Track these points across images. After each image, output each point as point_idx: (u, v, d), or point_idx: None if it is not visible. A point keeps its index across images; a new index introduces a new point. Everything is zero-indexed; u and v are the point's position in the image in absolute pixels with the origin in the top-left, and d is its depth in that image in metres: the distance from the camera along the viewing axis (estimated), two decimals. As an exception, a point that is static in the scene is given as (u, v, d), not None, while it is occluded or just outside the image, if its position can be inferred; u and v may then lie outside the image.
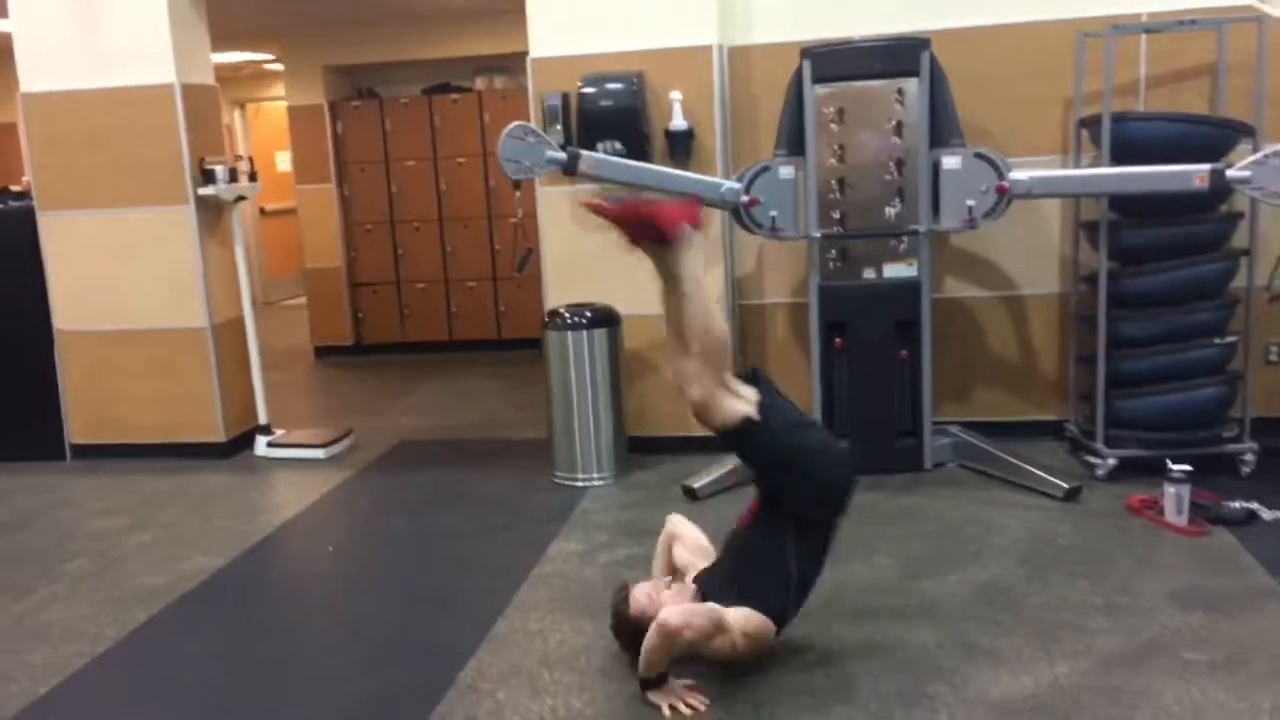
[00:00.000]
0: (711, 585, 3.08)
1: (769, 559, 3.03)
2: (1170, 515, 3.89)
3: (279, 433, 5.74)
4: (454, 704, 2.97)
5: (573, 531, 4.27)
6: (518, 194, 4.66)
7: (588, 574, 3.87)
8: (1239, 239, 4.45)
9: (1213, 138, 4.33)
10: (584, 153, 4.57)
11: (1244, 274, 4.43)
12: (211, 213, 5.56)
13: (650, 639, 2.88)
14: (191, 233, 5.44)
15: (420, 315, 8.31)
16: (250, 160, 5.89)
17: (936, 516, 4.20)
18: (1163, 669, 2.95)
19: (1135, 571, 3.57)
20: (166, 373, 5.55)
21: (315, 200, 8.33)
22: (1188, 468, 3.92)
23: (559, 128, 4.97)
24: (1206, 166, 4.07)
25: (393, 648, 3.40)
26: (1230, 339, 4.41)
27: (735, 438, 3.07)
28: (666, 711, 2.86)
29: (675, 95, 4.92)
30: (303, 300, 8.79)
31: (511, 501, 4.72)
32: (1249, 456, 4.37)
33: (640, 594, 3.11)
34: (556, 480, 4.90)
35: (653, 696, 2.92)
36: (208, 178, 5.42)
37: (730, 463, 4.70)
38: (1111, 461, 4.41)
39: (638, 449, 5.06)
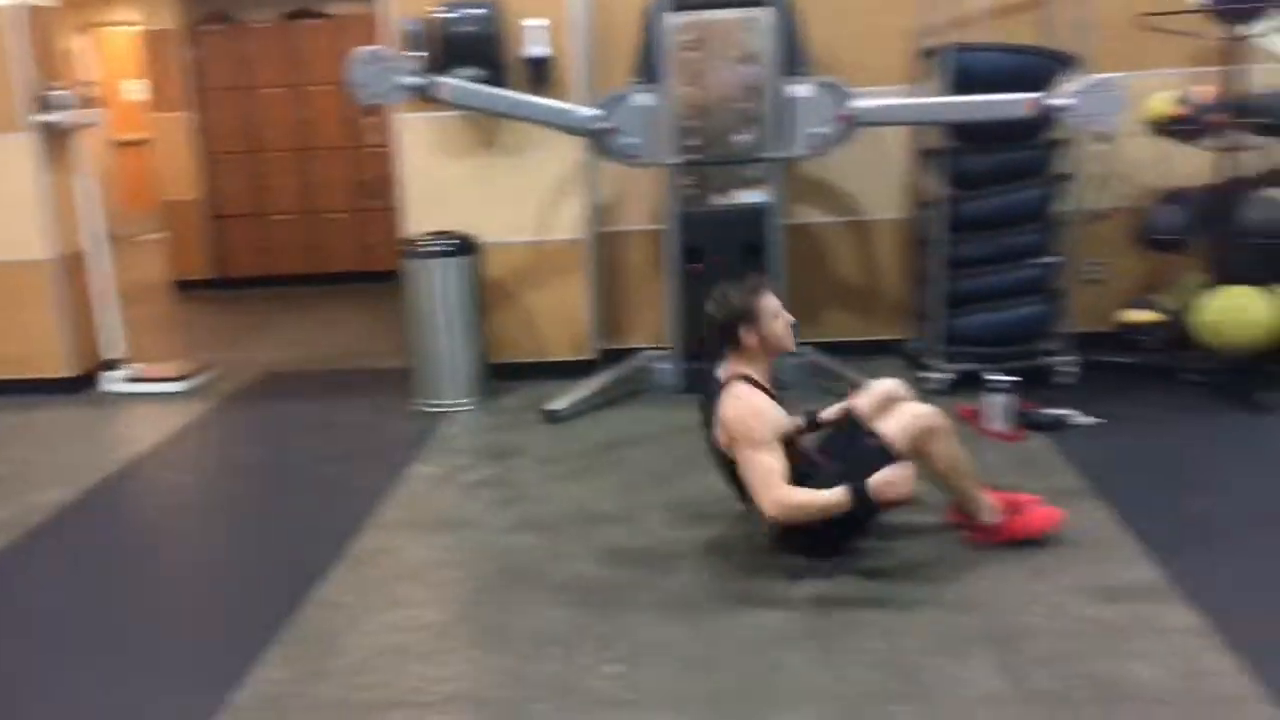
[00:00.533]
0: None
1: None
2: (992, 423, 4.17)
3: (135, 367, 5.64)
4: (309, 617, 3.06)
5: (432, 455, 4.35)
6: (370, 120, 4.63)
7: (445, 493, 3.97)
8: (1063, 164, 4.73)
9: (1040, 67, 4.57)
10: (440, 79, 4.57)
11: (1066, 197, 4.71)
12: (54, 142, 5.37)
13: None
14: (30, 162, 5.25)
15: (282, 247, 8.17)
16: (97, 86, 5.68)
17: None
18: (975, 560, 3.20)
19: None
20: (8, 306, 5.38)
21: (170, 129, 8.06)
22: (1010, 379, 4.20)
23: (416, 53, 4.94)
24: (1033, 95, 4.31)
25: (248, 570, 3.46)
26: (1053, 259, 4.70)
27: None
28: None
29: (534, 22, 4.94)
30: (159, 236, 8.53)
31: (373, 429, 4.77)
32: (1068, 368, 4.69)
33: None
34: (418, 407, 4.96)
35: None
36: (47, 104, 5.22)
37: (589, 386, 4.84)
38: (947, 376, 4.69)
39: (500, 375, 5.14)
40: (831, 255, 5.29)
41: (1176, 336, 4.57)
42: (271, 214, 8.15)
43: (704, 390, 3.38)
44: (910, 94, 4.94)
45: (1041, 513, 3.30)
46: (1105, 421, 4.23)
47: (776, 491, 3.03)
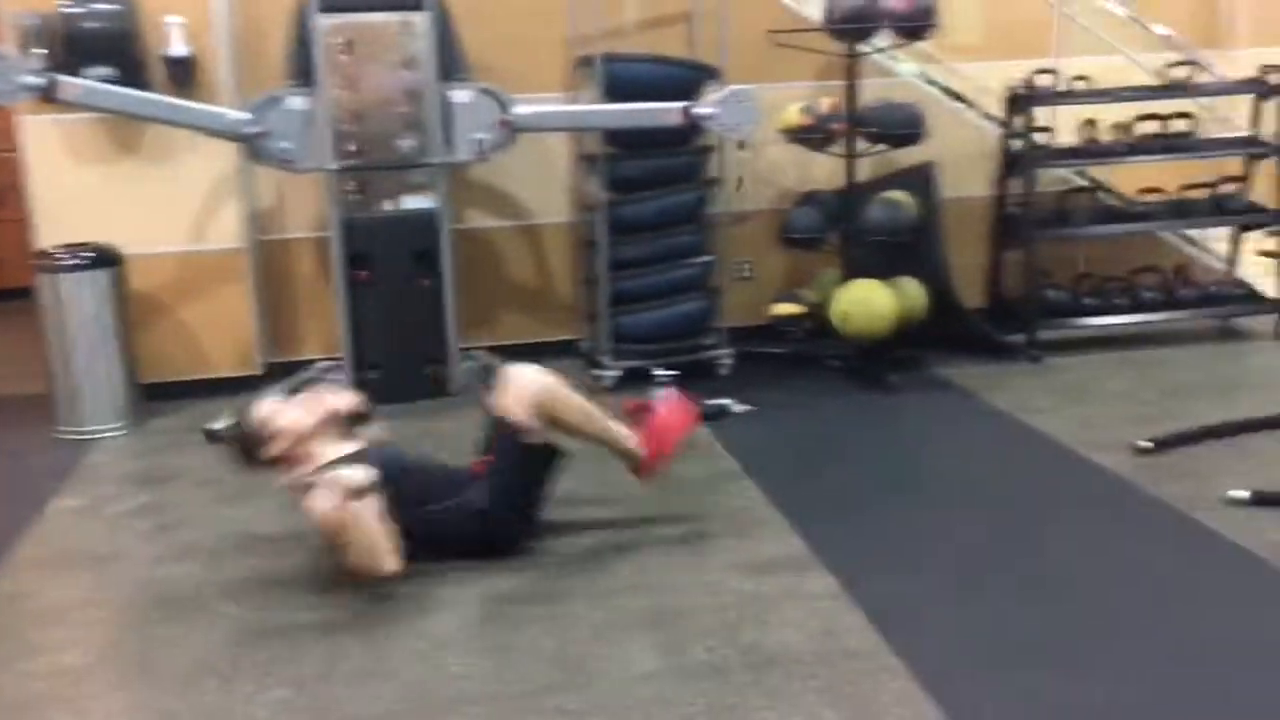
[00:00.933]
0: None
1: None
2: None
3: None
4: (-76, 677, 2.73)
5: (76, 486, 4.00)
6: (-15, 122, 4.20)
7: (91, 526, 3.67)
8: (712, 170, 5.04)
9: (687, 78, 4.85)
10: (66, 79, 4.21)
11: (716, 200, 5.03)
12: None
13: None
14: None
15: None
16: None
17: (460, 437, 4.39)
18: (638, 545, 3.36)
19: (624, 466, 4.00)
20: None
21: None
22: (674, 373, 4.44)
23: (39, 51, 4.52)
24: (681, 104, 4.56)
25: None
26: (707, 259, 5.01)
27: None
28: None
29: (172, 19, 4.65)
30: None
31: (4, 462, 4.32)
32: (726, 361, 5.01)
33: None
34: (59, 435, 4.54)
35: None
36: None
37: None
38: (616, 372, 4.87)
39: (155, 395, 4.81)
40: (502, 259, 5.35)
41: (818, 327, 5.00)
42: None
43: None
44: (569, 101, 5.09)
45: (670, 415, 3.50)
46: (758, 408, 4.55)
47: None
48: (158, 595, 3.14)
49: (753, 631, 2.85)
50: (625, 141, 4.94)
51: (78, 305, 4.47)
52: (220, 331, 4.97)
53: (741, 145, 4.64)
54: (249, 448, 3.19)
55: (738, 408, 4.55)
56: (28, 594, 3.18)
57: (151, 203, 4.80)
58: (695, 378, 4.75)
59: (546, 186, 5.30)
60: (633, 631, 2.87)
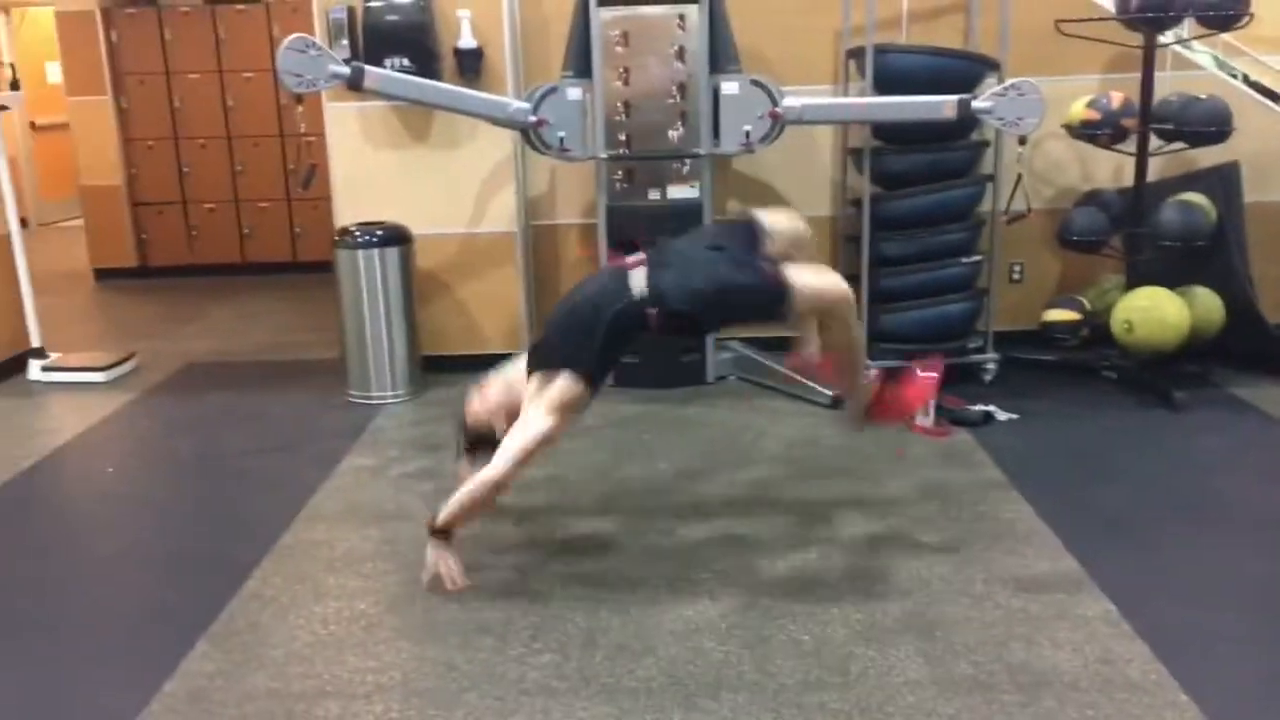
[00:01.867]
0: (534, 357, 3.17)
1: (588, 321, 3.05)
2: (919, 418, 4.27)
3: (55, 356, 5.50)
4: (236, 611, 3.03)
5: (364, 448, 4.32)
6: (300, 109, 4.58)
7: (378, 486, 3.94)
8: (986, 166, 4.85)
9: (963, 70, 4.68)
10: (369, 68, 4.52)
11: (989, 198, 4.83)
12: (-32, 123, 5.21)
13: (472, 490, 2.98)
14: (-56, 144, 5.09)
15: (209, 236, 8.01)
16: (13, 68, 5.51)
17: (714, 424, 4.47)
18: (900, 551, 3.29)
19: (885, 468, 3.93)
20: (-77, 294, 5.22)
21: (89, 114, 7.85)
22: (935, 375, 4.29)
23: (345, 42, 4.89)
24: (955, 97, 4.41)
25: (173, 564, 3.40)
26: (976, 258, 4.82)
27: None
28: (430, 570, 3.04)
29: (463, 13, 4.92)
30: (80, 222, 8.30)
31: (303, 421, 4.72)
32: (991, 365, 4.82)
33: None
34: (350, 399, 4.92)
35: (433, 546, 3.06)
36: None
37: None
38: (875, 371, 4.77)
39: (432, 368, 5.12)
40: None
41: (1094, 335, 4.72)
42: (197, 201, 7.98)
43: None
44: (838, 94, 5.02)
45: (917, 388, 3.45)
46: (1023, 417, 4.35)
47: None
48: (437, 556, 3.35)
49: (1021, 650, 2.74)
50: (894, 135, 4.83)
51: (371, 280, 4.81)
52: (493, 310, 5.23)
53: (1022, 141, 4.43)
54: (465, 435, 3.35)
55: (1002, 415, 4.37)
56: (324, 542, 3.46)
57: (437, 186, 5.11)
58: (958, 381, 4.59)
59: (809, 179, 5.25)
60: (894, 636, 2.81)
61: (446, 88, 4.69)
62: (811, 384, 3.45)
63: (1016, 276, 5.14)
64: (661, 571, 3.19)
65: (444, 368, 5.14)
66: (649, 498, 3.74)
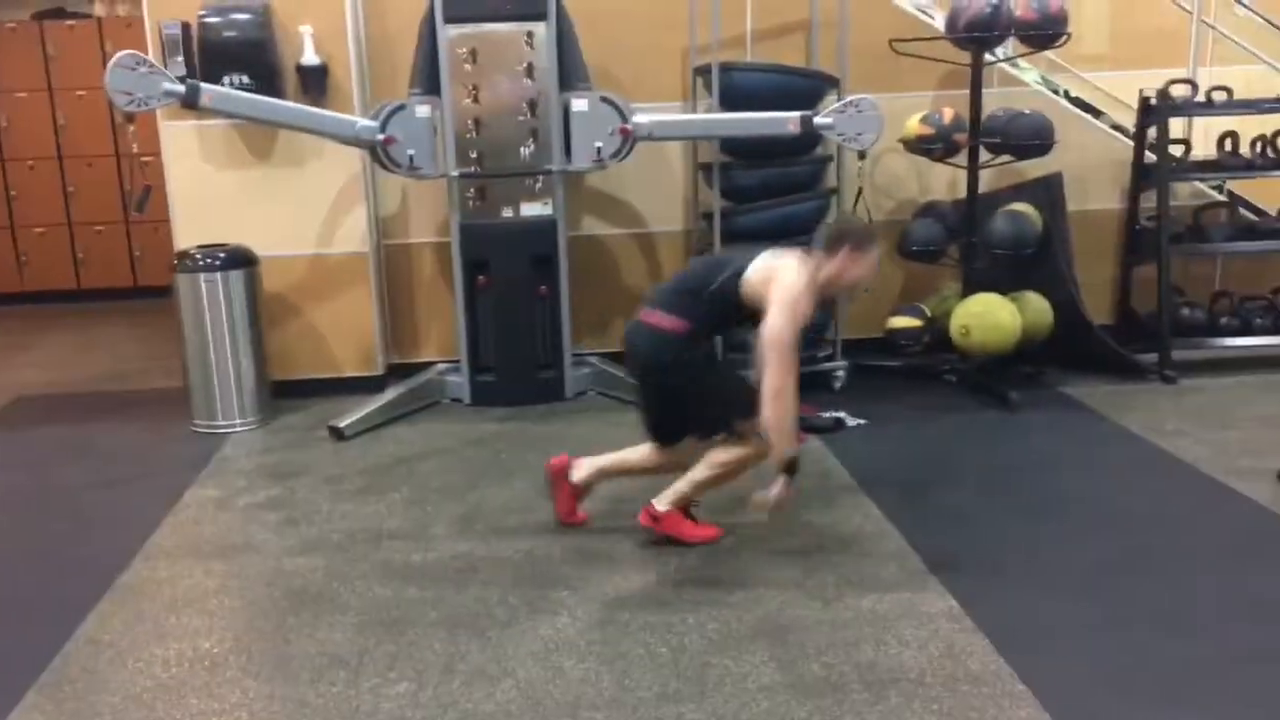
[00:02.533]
0: None
1: None
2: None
3: None
4: (70, 658, 2.87)
5: (210, 478, 4.16)
6: (132, 128, 4.39)
7: (224, 518, 3.81)
8: (830, 180, 5.00)
9: (806, 88, 4.82)
10: (205, 86, 4.38)
11: (834, 211, 4.98)
12: None
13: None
14: None
15: (40, 262, 7.60)
16: None
17: (573, 440, 4.44)
18: (754, 558, 3.35)
19: (741, 477, 3.97)
20: None
21: (-95, 134, 7.37)
22: (787, 384, 4.40)
23: (180, 59, 4.72)
24: (798, 114, 4.54)
25: (3, 608, 3.21)
26: (825, 269, 4.95)
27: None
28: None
29: (305, 29, 4.81)
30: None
31: (144, 453, 4.52)
32: (840, 373, 4.96)
33: None
34: (195, 429, 4.73)
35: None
36: None
37: (378, 401, 4.76)
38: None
39: (283, 393, 4.97)
40: (617, 266, 5.39)
41: (936, 341, 4.92)
42: (26, 226, 7.57)
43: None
44: (687, 110, 5.10)
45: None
46: (873, 422, 4.49)
47: (786, 334, 3.12)
48: (287, 587, 3.25)
49: (870, 650, 2.82)
50: (742, 150, 4.93)
51: (215, 304, 4.65)
52: (345, 332, 5.12)
53: (861, 155, 4.59)
54: None
55: (852, 420, 4.50)
56: (166, 580, 3.32)
57: (283, 206, 4.98)
58: (810, 390, 4.69)
59: (662, 194, 5.32)
60: (749, 643, 2.86)
61: (288, 105, 4.58)
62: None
63: (864, 288, 5.29)
64: (520, 592, 3.17)
65: (295, 393, 5.00)
66: (506, 517, 3.72)
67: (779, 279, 3.17)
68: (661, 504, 3.41)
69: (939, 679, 2.67)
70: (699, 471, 3.37)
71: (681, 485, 3.39)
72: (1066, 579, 3.20)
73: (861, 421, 4.51)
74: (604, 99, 4.66)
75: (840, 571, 3.24)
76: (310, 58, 4.83)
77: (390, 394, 4.84)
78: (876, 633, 2.90)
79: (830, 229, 3.50)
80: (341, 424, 4.57)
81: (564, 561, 3.36)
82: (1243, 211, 5.18)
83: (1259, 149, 5.04)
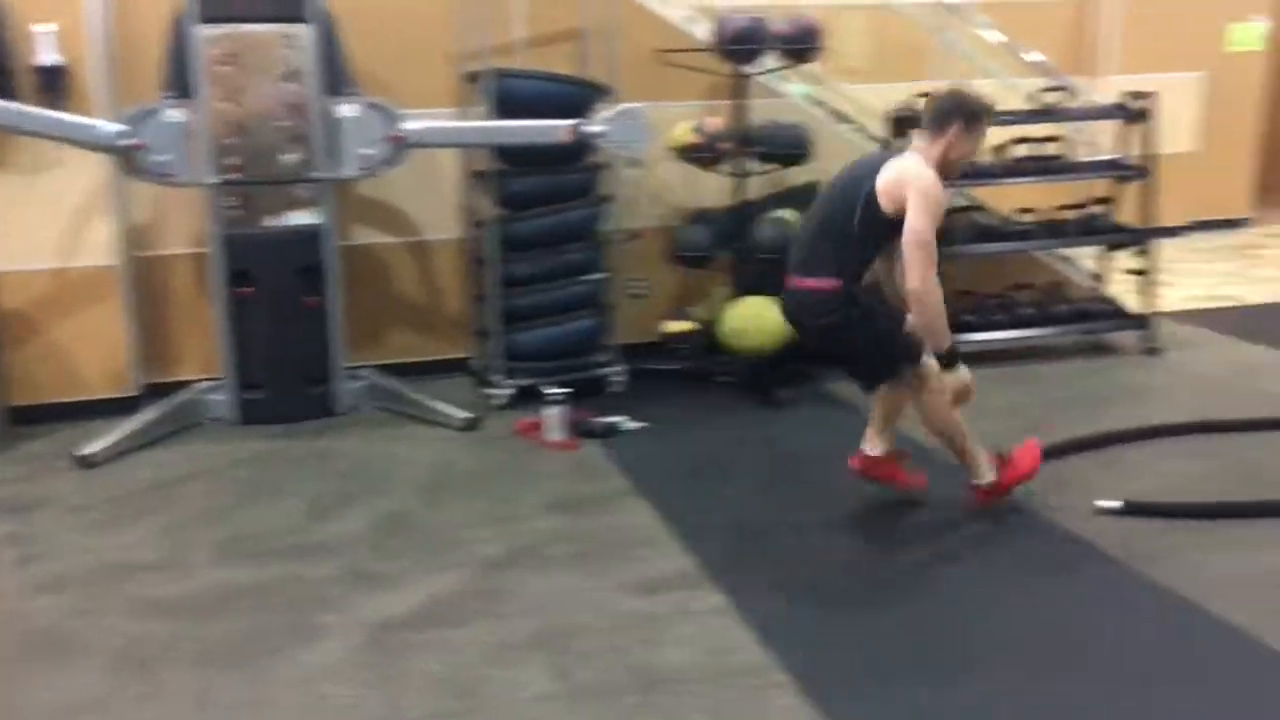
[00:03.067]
0: None
1: None
2: (549, 434, 4.37)
3: None
4: None
5: (-64, 515, 3.80)
6: None
7: (-52, 559, 3.48)
8: (605, 187, 5.05)
9: (577, 96, 4.85)
10: (-77, 87, 4.00)
11: (610, 218, 5.04)
12: None
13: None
14: None
15: None
16: None
17: (346, 457, 4.33)
18: (530, 566, 3.34)
19: (518, 487, 3.98)
20: None
21: None
22: (565, 391, 4.42)
23: (-108, 57, 4.30)
24: (570, 121, 4.57)
25: None
26: (599, 276, 5.01)
27: None
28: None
29: (42, 28, 4.47)
30: None
31: None
32: (619, 378, 5.02)
33: None
34: (-82, 462, 4.31)
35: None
36: None
37: (131, 423, 4.47)
38: (508, 391, 4.84)
39: (24, 419, 4.59)
40: (391, 276, 5.27)
41: (709, 344, 5.05)
42: None
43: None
44: (459, 117, 5.04)
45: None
46: (650, 425, 4.56)
47: (927, 231, 3.24)
48: (24, 631, 3.00)
49: (642, 652, 2.86)
50: (516, 158, 4.91)
51: (-63, 324, 4.25)
52: (93, 351, 4.77)
53: (633, 163, 4.66)
54: None
55: (629, 425, 4.56)
56: (-121, 632, 3.00)
57: (19, 217, 4.60)
58: (588, 395, 4.74)
59: (436, 202, 5.24)
60: (523, 654, 2.85)
61: (18, 108, 4.24)
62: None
63: (641, 292, 5.38)
64: (284, 619, 3.04)
65: (39, 418, 4.62)
66: (272, 540, 3.56)
67: (911, 181, 3.26)
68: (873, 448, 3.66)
69: (706, 675, 2.74)
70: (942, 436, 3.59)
71: (955, 443, 3.57)
72: (832, 570, 3.34)
73: (641, 425, 4.57)
74: (372, 105, 4.55)
75: (616, 575, 3.28)
76: (47, 57, 4.49)
77: (145, 416, 4.54)
78: (650, 634, 2.94)
79: (937, 106, 3.43)
80: (88, 450, 4.26)
81: (332, 583, 3.25)
82: (980, 216, 5.55)
83: (997, 158, 5.42)
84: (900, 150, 3.49)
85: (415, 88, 4.93)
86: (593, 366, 4.99)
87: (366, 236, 5.20)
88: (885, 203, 3.31)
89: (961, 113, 3.35)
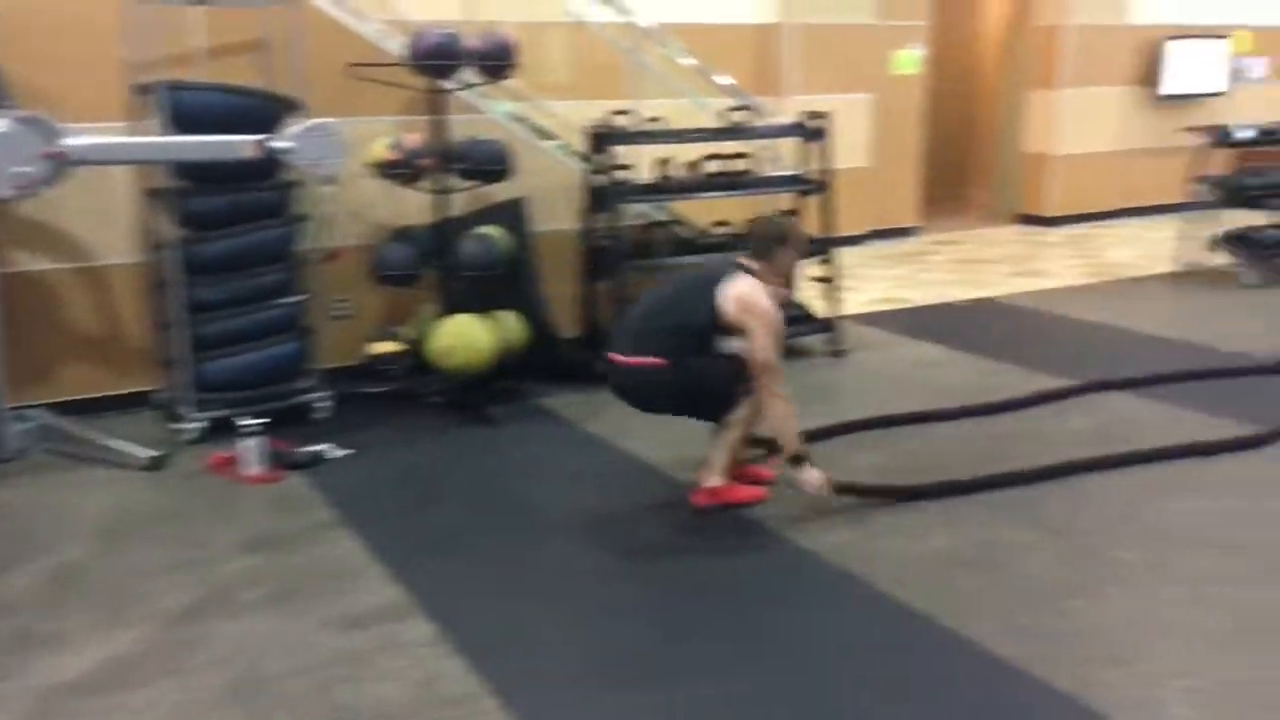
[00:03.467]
0: None
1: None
2: (247, 468, 4.12)
3: None
4: None
5: None
6: None
7: None
8: (300, 205, 4.83)
9: (262, 110, 4.62)
10: None
11: (306, 237, 4.82)
12: None
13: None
14: None
15: None
16: None
17: (11, 507, 3.91)
18: (221, 613, 3.13)
19: (210, 527, 3.72)
20: None
21: None
22: (260, 421, 4.18)
23: None
24: (255, 137, 4.33)
25: None
26: (298, 298, 4.79)
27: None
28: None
29: None
30: None
31: None
32: (323, 404, 4.81)
33: None
34: None
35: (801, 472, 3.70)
36: None
37: None
38: (199, 424, 4.52)
39: None
40: (61, 305, 4.81)
41: (417, 364, 4.94)
42: None
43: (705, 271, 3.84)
44: (131, 132, 4.67)
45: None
46: (358, 451, 4.40)
47: (781, 387, 3.65)
48: None
49: (347, 690, 2.74)
50: (198, 175, 4.62)
51: None
52: None
53: (328, 180, 4.48)
54: None
55: (335, 453, 4.38)
56: None
57: None
58: (291, 424, 4.52)
59: (110, 224, 4.83)
60: (216, 710, 2.66)
61: None
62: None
63: (345, 313, 5.19)
64: (-70, 697, 2.69)
65: None
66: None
67: (754, 312, 3.59)
68: (712, 480, 3.80)
69: (414, 708, 2.66)
70: (725, 438, 3.79)
71: (717, 455, 3.80)
72: (548, 589, 3.33)
73: (348, 452, 4.40)
74: (27, 118, 4.11)
75: (318, 613, 3.13)
76: None
77: None
78: (355, 671, 2.82)
79: (758, 238, 3.82)
80: None
81: (-7, 651, 2.90)
82: (679, 229, 5.76)
83: (691, 173, 5.65)
84: (738, 268, 3.74)
85: (84, 100, 4.53)
86: (294, 393, 4.76)
87: (31, 263, 4.72)
88: (727, 317, 3.64)
89: (779, 239, 3.80)
